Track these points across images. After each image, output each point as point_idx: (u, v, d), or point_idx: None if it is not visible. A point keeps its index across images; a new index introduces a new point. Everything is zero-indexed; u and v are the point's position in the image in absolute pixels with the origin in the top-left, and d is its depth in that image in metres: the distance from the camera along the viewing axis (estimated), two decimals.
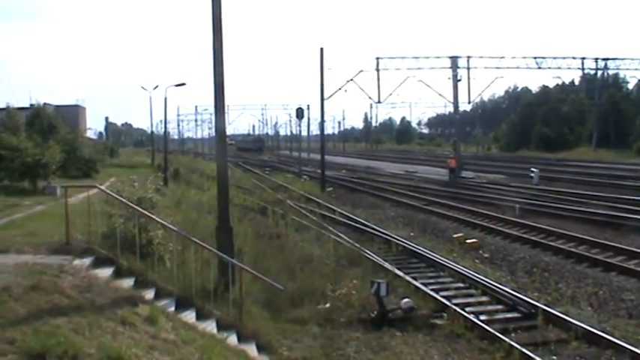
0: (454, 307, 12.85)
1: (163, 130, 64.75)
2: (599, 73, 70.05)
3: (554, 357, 10.68)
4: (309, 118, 78.66)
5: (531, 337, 11.59)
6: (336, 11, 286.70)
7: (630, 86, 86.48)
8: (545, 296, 14.44)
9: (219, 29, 12.92)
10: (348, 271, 16.13)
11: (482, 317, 12.48)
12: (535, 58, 54.70)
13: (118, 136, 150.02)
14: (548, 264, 17.28)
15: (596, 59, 59.74)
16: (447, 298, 13.69)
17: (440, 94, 64.03)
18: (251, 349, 10.05)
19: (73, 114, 68.17)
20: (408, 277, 15.26)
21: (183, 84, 53.34)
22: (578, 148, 76.47)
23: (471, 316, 12.35)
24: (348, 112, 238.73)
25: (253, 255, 15.90)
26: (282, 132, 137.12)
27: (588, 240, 19.47)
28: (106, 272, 10.28)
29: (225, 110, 13.62)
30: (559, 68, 56.87)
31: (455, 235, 21.74)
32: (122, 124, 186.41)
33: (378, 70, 52.75)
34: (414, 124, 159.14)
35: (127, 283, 10.28)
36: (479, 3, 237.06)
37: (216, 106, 13.34)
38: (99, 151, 49.37)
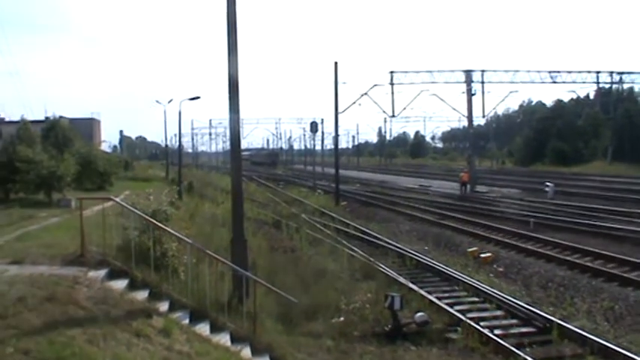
0: (469, 321, 12.80)
1: (177, 143, 65.00)
2: (614, 87, 69.58)
3: None
4: (323, 132, 78.38)
5: (546, 352, 11.53)
6: (350, 25, 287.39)
7: None
8: (561, 311, 14.33)
9: (234, 27, 12.81)
10: (362, 284, 16.14)
11: (497, 331, 12.43)
12: (550, 72, 54.21)
13: (132, 149, 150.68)
14: (564, 278, 17.15)
15: (611, 73, 59.14)
16: (462, 312, 13.64)
17: (454, 109, 63.40)
18: None
19: (87, 127, 68.61)
20: (422, 291, 15.23)
21: (198, 97, 53.43)
22: (593, 163, 76.00)
23: (486, 331, 12.30)
24: (362, 126, 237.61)
25: (267, 268, 15.89)
26: (296, 146, 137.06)
27: (604, 254, 19.31)
28: (120, 284, 10.32)
29: (240, 115, 13.38)
30: (574, 82, 56.25)
31: (469, 249, 21.63)
32: (136, 138, 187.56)
33: (392, 84, 52.46)
34: (428, 139, 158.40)
35: (142, 295, 10.32)
36: (493, 17, 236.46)
37: (230, 105, 13.11)
38: (113, 164, 49.47)
